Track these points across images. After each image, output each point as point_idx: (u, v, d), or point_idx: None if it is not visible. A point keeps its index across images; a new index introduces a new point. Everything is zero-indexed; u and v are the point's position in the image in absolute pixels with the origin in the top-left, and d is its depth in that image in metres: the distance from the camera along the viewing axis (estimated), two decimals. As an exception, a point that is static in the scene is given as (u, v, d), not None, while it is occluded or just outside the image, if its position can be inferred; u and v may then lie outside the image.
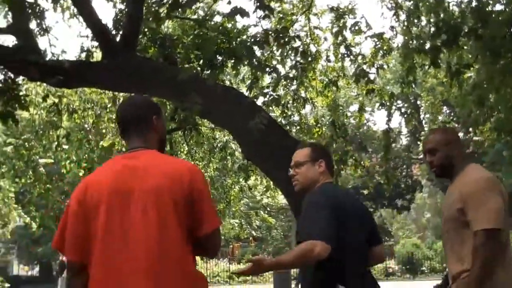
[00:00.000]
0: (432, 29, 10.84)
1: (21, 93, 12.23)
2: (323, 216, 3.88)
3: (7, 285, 39.55)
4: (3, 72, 11.74)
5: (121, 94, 15.57)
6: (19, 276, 52.52)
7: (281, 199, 40.33)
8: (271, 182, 16.09)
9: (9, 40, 27.44)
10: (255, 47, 10.20)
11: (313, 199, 4.09)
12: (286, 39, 10.57)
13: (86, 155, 17.23)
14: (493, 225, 4.01)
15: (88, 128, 16.84)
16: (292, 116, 13.73)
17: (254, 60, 9.90)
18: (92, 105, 16.15)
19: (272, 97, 10.26)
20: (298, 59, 11.58)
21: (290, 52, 11.51)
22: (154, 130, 3.32)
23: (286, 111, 12.96)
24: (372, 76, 12.12)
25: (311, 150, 4.42)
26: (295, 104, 13.18)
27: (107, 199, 3.00)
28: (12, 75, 11.53)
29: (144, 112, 3.32)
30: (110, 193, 3.01)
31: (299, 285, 4.22)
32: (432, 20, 10.96)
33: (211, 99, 8.95)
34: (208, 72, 10.20)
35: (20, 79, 12.23)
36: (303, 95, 13.23)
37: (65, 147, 16.88)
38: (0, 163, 17.47)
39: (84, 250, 3.03)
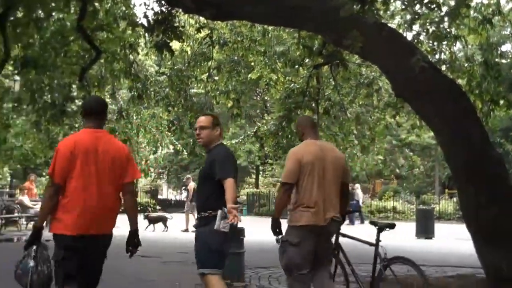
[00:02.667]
0: None
1: (176, 25, 12.64)
2: (232, 163, 6.25)
3: (158, 207, 41.83)
4: (160, 4, 12.16)
5: (271, 27, 15.75)
6: (168, 199, 54.93)
7: (427, 138, 39.68)
8: (418, 121, 15.89)
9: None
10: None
11: (228, 153, 6.40)
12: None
13: (235, 87, 17.65)
14: (283, 179, 6.69)
15: (237, 61, 17.19)
16: (442, 54, 13.38)
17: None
18: (242, 38, 16.44)
19: (433, 33, 9.96)
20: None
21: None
22: (104, 121, 6.00)
23: (436, 49, 12.61)
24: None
25: (213, 119, 6.52)
26: (445, 42, 12.78)
27: (86, 152, 5.51)
28: (168, 7, 11.92)
29: (104, 108, 5.96)
30: (88, 148, 5.53)
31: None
32: None
33: (366, 35, 8.84)
34: (358, 7, 10.04)
35: (175, 11, 12.58)
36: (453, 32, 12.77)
37: (216, 78, 17.37)
38: (154, 91, 18.15)
39: (65, 178, 5.44)
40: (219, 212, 5.75)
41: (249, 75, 17.51)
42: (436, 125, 9.70)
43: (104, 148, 5.61)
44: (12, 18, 12.76)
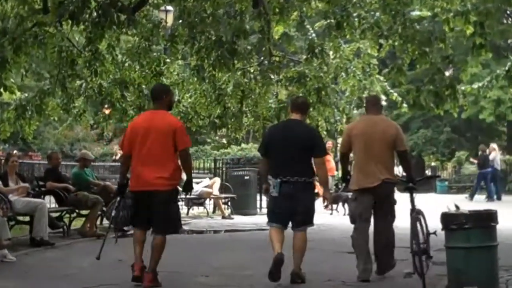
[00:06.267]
0: None
1: None
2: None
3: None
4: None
5: None
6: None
7: None
8: None
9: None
10: None
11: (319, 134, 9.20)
12: None
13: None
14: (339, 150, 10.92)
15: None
16: None
17: None
18: None
19: None
20: None
21: None
22: (164, 102, 8.60)
23: None
24: None
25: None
26: None
27: (142, 131, 8.19)
28: None
29: (162, 93, 8.71)
30: (144, 127, 8.21)
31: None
32: None
33: None
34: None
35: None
36: None
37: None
38: (359, 17, 14.42)
39: (131, 149, 8.33)
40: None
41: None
42: None
43: (158, 125, 8.09)
44: None
